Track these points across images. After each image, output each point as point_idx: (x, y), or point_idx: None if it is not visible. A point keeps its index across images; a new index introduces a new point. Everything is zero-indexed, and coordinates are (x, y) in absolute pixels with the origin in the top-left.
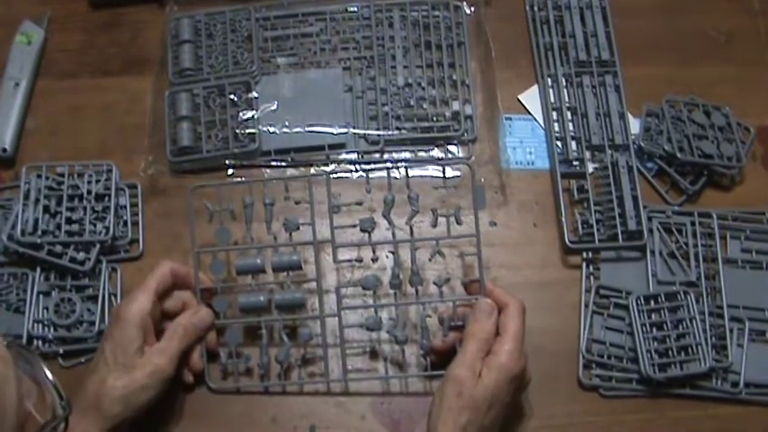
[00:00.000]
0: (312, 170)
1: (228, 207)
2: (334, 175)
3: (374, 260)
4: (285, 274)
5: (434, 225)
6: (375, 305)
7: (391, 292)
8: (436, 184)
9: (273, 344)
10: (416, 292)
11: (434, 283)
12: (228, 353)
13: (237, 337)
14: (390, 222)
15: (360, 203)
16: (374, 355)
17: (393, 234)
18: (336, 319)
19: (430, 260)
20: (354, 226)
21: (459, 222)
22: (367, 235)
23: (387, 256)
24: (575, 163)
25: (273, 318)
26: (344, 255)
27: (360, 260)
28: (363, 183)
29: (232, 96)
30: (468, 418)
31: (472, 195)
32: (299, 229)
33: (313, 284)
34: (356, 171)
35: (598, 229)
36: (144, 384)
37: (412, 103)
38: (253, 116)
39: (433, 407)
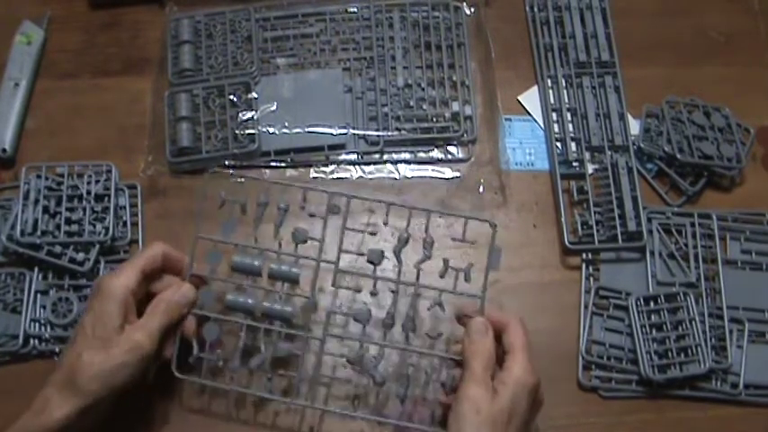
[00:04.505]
0: (312, 172)
1: (241, 200)
2: (334, 175)
3: (373, 294)
4: (280, 283)
5: (442, 276)
6: (362, 339)
7: (379, 331)
8: (456, 236)
9: (247, 353)
10: (407, 337)
11: (427, 335)
12: (201, 346)
13: (215, 333)
14: (399, 261)
15: (374, 233)
16: (352, 392)
17: (399, 273)
18: (319, 342)
19: (429, 310)
20: (362, 255)
21: (467, 280)
22: (372, 266)
23: (386, 289)
24: (574, 164)
25: (256, 323)
26: (345, 279)
27: (359, 290)
28: (378, 201)
29: (232, 97)
30: None
31: (488, 256)
32: (306, 242)
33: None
34: (355, 173)
35: (598, 230)
36: (122, 362)
37: (412, 103)
38: (252, 117)
39: (455, 427)
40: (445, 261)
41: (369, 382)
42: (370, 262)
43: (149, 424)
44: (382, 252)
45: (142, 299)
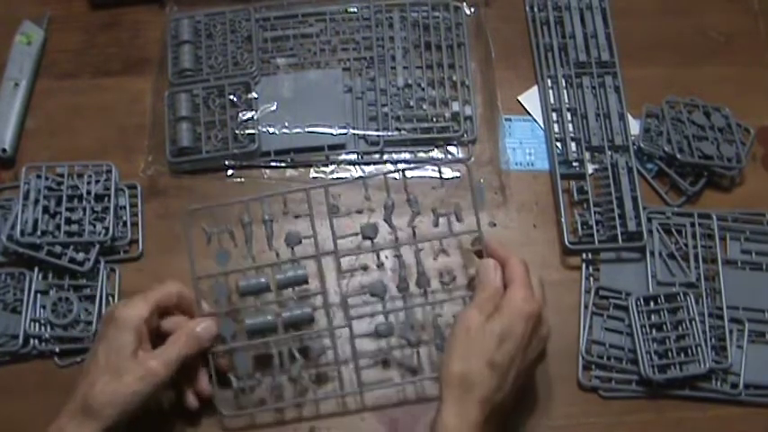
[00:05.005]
0: (312, 172)
1: (227, 228)
2: (334, 175)
3: (379, 266)
4: (290, 290)
5: (436, 225)
6: (385, 311)
7: (397, 296)
8: (435, 185)
9: (284, 366)
10: (425, 293)
11: (441, 282)
12: (238, 378)
13: (247, 363)
14: (392, 227)
15: (360, 211)
16: (386, 363)
17: (396, 238)
18: (346, 330)
19: (435, 260)
20: (356, 234)
21: (459, 219)
22: (369, 241)
23: (390, 257)
24: (574, 164)
25: (282, 337)
26: (349, 261)
27: (365, 267)
28: (363, 184)
29: (232, 97)
30: (476, 352)
31: (471, 194)
32: (301, 243)
33: (319, 298)
34: (355, 173)
35: (598, 230)
36: (135, 390)
37: (412, 103)
38: (252, 117)
39: (447, 346)
40: (434, 210)
41: (403, 349)
42: (367, 237)
43: None
44: (375, 225)
45: (151, 331)
